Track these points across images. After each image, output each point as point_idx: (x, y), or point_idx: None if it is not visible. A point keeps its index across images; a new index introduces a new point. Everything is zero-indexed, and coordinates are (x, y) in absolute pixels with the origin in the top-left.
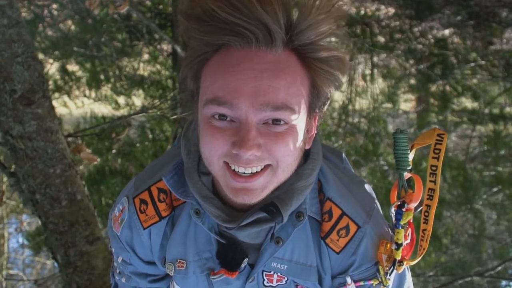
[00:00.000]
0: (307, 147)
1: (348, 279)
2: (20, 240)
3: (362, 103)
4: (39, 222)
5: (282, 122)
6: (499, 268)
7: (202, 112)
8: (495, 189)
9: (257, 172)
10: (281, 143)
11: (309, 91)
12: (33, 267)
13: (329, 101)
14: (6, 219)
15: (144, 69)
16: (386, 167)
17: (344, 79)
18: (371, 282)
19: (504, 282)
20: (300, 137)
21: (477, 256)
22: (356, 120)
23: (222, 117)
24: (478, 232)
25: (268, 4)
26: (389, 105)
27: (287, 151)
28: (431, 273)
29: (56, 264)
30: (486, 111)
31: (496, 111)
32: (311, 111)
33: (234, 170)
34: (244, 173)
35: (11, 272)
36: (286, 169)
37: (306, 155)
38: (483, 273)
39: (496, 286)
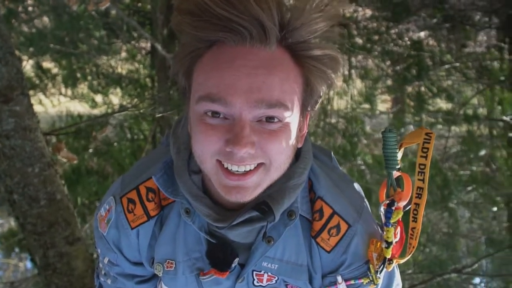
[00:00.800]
0: (299, 145)
1: (339, 278)
2: None
3: (340, 104)
4: (12, 223)
5: (276, 120)
6: (475, 265)
7: (195, 109)
8: (469, 188)
9: (250, 170)
10: (275, 141)
11: (302, 89)
12: (4, 270)
13: (320, 99)
14: None
15: (122, 67)
16: (363, 167)
17: (337, 78)
18: (362, 280)
19: (478, 279)
20: (293, 135)
21: (452, 254)
22: (334, 120)
23: (215, 114)
24: (452, 230)
25: (263, 1)
26: (366, 106)
27: (281, 149)
28: (409, 271)
29: (29, 266)
30: (461, 112)
31: (470, 112)
32: (303, 109)
33: (227, 168)
34: (237, 171)
35: None
36: (279, 167)
37: (297, 154)
38: (460, 271)
39: (470, 283)
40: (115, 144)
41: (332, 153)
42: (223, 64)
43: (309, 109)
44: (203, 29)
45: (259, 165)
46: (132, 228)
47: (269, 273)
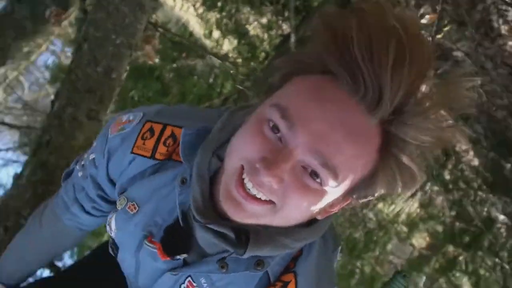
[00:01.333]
0: (319, 217)
1: None
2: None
3: (383, 207)
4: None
5: (318, 180)
6: None
7: (263, 110)
8: None
9: (260, 199)
10: (301, 196)
11: (364, 175)
12: None
13: (370, 198)
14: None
15: (253, 28)
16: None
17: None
18: None
19: None
20: (321, 204)
21: None
22: (368, 216)
23: (275, 129)
24: None
25: (402, 73)
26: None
27: (301, 206)
28: None
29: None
30: None
31: None
32: (350, 192)
33: (243, 179)
34: (249, 189)
35: None
36: (285, 218)
37: (310, 223)
38: None
39: None
40: (195, 77)
41: (340, 247)
42: (321, 97)
43: (354, 196)
44: (332, 56)
45: (271, 201)
46: (131, 152)
47: None
